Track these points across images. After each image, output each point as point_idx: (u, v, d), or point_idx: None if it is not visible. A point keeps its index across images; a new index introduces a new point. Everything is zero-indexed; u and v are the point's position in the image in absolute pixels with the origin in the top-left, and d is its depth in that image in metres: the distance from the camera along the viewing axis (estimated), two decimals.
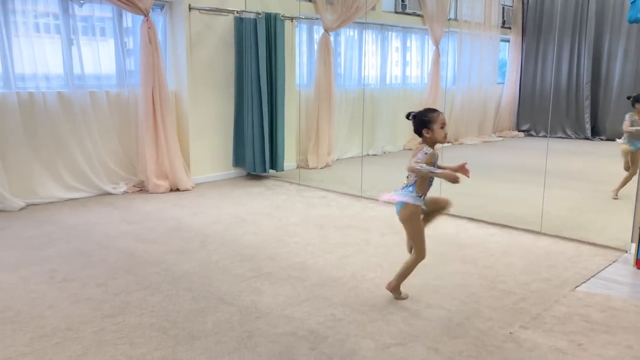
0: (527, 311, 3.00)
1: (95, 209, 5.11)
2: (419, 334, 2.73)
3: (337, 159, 7.83)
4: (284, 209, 5.20)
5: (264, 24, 6.24)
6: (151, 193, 5.76)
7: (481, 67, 9.86)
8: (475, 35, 9.61)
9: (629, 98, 5.51)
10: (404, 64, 9.14)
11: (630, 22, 3.95)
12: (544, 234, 4.40)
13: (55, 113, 5.34)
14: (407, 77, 9.18)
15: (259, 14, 6.26)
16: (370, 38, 8.32)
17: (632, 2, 3.88)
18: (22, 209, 5.07)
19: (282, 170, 6.70)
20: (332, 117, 7.49)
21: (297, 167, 7.20)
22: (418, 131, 2.96)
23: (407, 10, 8.52)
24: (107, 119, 5.73)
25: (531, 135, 10.73)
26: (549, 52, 10.59)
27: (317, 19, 7.25)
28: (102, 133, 5.71)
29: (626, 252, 3.96)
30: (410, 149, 8.93)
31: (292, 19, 6.89)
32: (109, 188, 5.69)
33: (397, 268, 3.62)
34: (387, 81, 8.67)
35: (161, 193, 5.77)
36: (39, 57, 5.21)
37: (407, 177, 2.97)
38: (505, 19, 10.37)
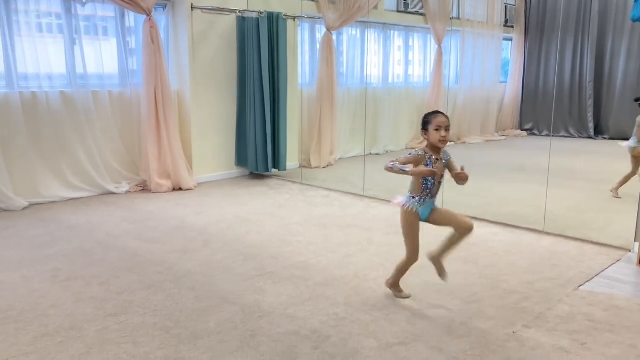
0: (530, 310, 2.99)
1: (98, 209, 5.12)
2: (422, 333, 2.73)
3: (339, 159, 7.82)
4: (286, 208, 5.20)
5: (266, 23, 6.23)
6: (154, 192, 5.77)
7: (484, 66, 9.84)
8: (477, 34, 9.59)
9: (636, 100, 5.46)
10: (407, 63, 9.12)
11: (634, 20, 3.94)
12: (547, 233, 4.39)
13: (58, 113, 5.34)
14: (410, 76, 9.17)
15: (261, 13, 6.25)
16: (372, 37, 8.31)
17: (635, 1, 3.87)
18: (25, 208, 5.08)
19: (285, 170, 6.70)
20: (335, 116, 7.49)
21: (300, 166, 7.19)
22: (422, 132, 2.95)
23: (410, 9, 8.50)
24: (109, 119, 5.74)
25: (534, 134, 10.71)
26: (552, 51, 10.56)
27: (319, 18, 7.24)
28: (105, 132, 5.72)
29: (629, 251, 3.95)
30: (413, 148, 8.97)
31: (294, 18, 6.88)
32: (111, 187, 5.70)
33: (397, 272, 3.63)
34: (390, 80, 8.67)
35: (164, 192, 5.78)
36: (41, 56, 5.22)
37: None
38: (507, 17, 10.35)
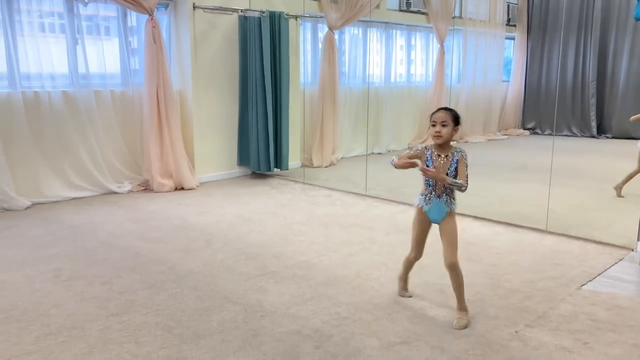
0: (533, 310, 2.99)
1: (100, 208, 5.12)
2: (424, 332, 2.73)
3: (341, 158, 7.82)
4: (288, 207, 5.20)
5: (268, 22, 6.23)
6: (156, 192, 5.77)
7: (486, 65, 9.82)
8: (480, 33, 9.58)
9: None
10: (409, 62, 9.12)
11: (637, 19, 3.93)
12: (550, 232, 4.39)
13: (60, 112, 5.35)
14: (412, 75, 9.16)
15: (263, 12, 6.25)
16: (374, 36, 8.31)
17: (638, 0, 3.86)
18: (27, 208, 5.09)
19: (287, 169, 6.70)
20: (337, 115, 7.48)
21: (302, 165, 7.19)
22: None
23: (412, 8, 8.49)
24: (111, 118, 5.75)
25: (537, 133, 10.69)
26: (555, 50, 10.54)
27: (321, 17, 7.24)
28: (107, 132, 5.73)
29: (632, 250, 3.94)
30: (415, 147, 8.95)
31: (296, 17, 6.88)
32: (113, 187, 5.71)
33: (402, 266, 3.62)
34: (392, 79, 8.66)
35: (166, 192, 5.78)
36: (44, 56, 5.22)
37: None
38: (510, 16, 10.33)
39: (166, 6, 6.08)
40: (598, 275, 3.50)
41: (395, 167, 2.85)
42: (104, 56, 5.67)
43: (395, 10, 8.39)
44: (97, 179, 5.61)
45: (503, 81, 10.56)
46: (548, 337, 2.68)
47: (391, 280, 3.39)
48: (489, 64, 9.91)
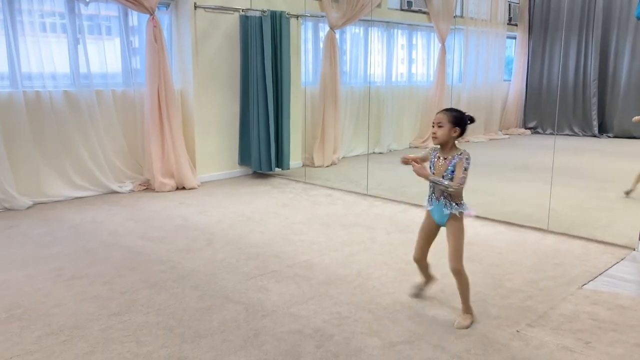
0: (534, 309, 2.99)
1: (101, 208, 5.13)
2: (425, 332, 2.73)
3: (342, 157, 7.82)
4: (289, 207, 5.20)
5: (269, 22, 6.23)
6: (157, 191, 5.78)
7: (487, 65, 9.82)
8: (481, 32, 9.57)
9: None
10: (410, 61, 9.11)
11: (638, 18, 3.92)
12: (551, 232, 4.38)
13: (61, 112, 5.36)
14: (413, 74, 9.16)
15: (264, 12, 6.25)
16: (375, 36, 8.30)
17: None
18: (29, 207, 5.10)
19: (288, 169, 6.70)
20: (338, 115, 7.48)
21: (303, 165, 7.19)
22: None
23: (413, 8, 8.49)
24: (113, 118, 5.75)
25: (538, 132, 10.68)
26: (556, 49, 10.53)
27: (322, 16, 7.24)
28: (108, 132, 5.73)
29: (634, 249, 3.94)
30: (417, 147, 8.96)
31: (297, 16, 6.88)
32: (115, 187, 5.71)
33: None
34: (393, 79, 8.65)
35: (167, 191, 5.79)
36: (45, 56, 5.23)
37: None
38: (511, 15, 10.32)
39: (167, 6, 6.08)
40: (599, 274, 3.50)
41: (400, 162, 2.87)
42: (105, 56, 5.67)
43: (396, 9, 8.38)
44: (98, 179, 5.61)
45: (504, 80, 10.55)
46: (549, 337, 2.68)
47: (392, 279, 3.39)
48: (490, 63, 9.90)
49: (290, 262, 3.70)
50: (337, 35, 7.32)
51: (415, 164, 2.76)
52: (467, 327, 2.77)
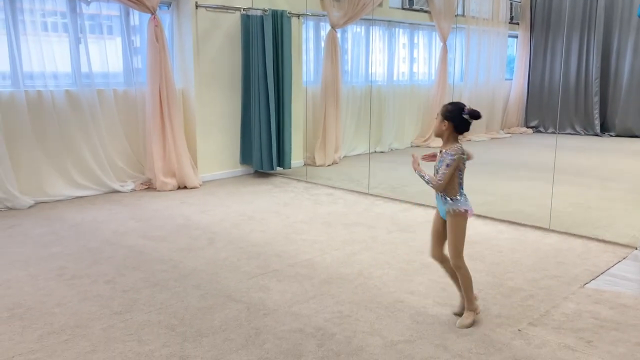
0: (536, 308, 2.98)
1: (103, 207, 5.13)
2: (427, 331, 2.72)
3: (344, 156, 7.82)
4: (291, 206, 5.20)
5: (270, 21, 6.23)
6: (159, 191, 5.78)
7: (489, 64, 9.81)
8: (483, 31, 9.56)
9: None
10: (411, 60, 9.11)
11: None
12: (553, 231, 4.38)
13: (63, 111, 5.36)
14: (415, 73, 9.15)
15: (265, 11, 6.25)
16: (377, 35, 8.30)
17: None
18: (31, 207, 5.10)
19: (289, 168, 6.70)
20: (339, 114, 7.48)
21: (304, 164, 7.19)
22: None
23: (415, 7, 8.49)
24: (114, 117, 5.76)
25: (540, 131, 10.68)
26: (558, 48, 10.51)
27: (323, 15, 7.23)
28: (110, 131, 5.74)
29: (636, 248, 3.93)
30: (418, 146, 8.95)
31: (298, 15, 6.88)
32: (116, 186, 5.71)
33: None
34: (395, 78, 8.65)
35: (169, 191, 5.79)
36: (47, 55, 5.23)
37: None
38: (513, 14, 10.31)
39: (168, 5, 6.08)
40: (601, 273, 3.50)
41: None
42: (106, 55, 5.67)
43: (397, 8, 8.38)
44: (100, 178, 5.62)
45: (506, 79, 10.55)
46: (551, 336, 2.68)
47: (394, 278, 3.39)
48: (492, 62, 9.90)
49: (291, 261, 3.70)
50: (339, 34, 7.31)
51: (414, 156, 2.79)
52: (469, 325, 2.76)
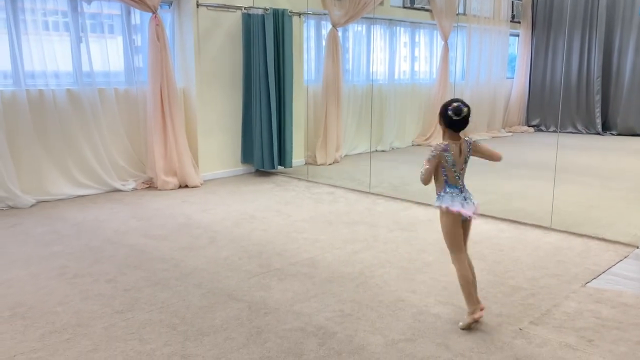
0: (537, 307, 2.98)
1: (104, 206, 5.14)
2: (428, 329, 2.72)
3: (345, 155, 7.82)
4: (292, 205, 5.20)
5: (271, 20, 6.23)
6: (160, 190, 5.79)
7: (490, 62, 9.80)
8: (484, 29, 9.55)
9: None
10: (413, 59, 9.10)
11: None
12: (554, 230, 4.37)
13: (64, 110, 5.37)
14: (416, 72, 9.14)
15: (266, 10, 6.25)
16: (378, 33, 8.29)
17: None
18: (32, 205, 5.11)
19: (291, 167, 6.70)
20: (340, 113, 7.48)
21: (306, 163, 7.19)
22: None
23: (416, 5, 8.48)
24: (115, 116, 5.76)
25: (541, 130, 10.67)
26: (559, 47, 10.50)
27: (325, 14, 7.23)
28: (111, 130, 5.74)
29: (637, 247, 3.93)
30: (419, 145, 8.95)
31: (299, 14, 6.87)
32: (118, 185, 5.72)
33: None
34: (396, 77, 8.65)
35: (170, 190, 5.79)
36: (48, 54, 5.24)
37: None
38: (514, 13, 10.30)
39: (170, 4, 6.08)
40: (602, 272, 3.49)
41: None
42: (107, 54, 5.68)
43: (399, 7, 8.38)
44: (101, 177, 5.62)
45: (507, 78, 10.54)
46: (552, 335, 2.68)
47: (395, 277, 3.39)
48: (493, 61, 9.88)
49: (293, 260, 3.70)
50: (340, 33, 7.31)
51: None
52: (464, 327, 2.72)
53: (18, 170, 5.11)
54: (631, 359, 2.48)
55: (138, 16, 5.85)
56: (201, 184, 6.03)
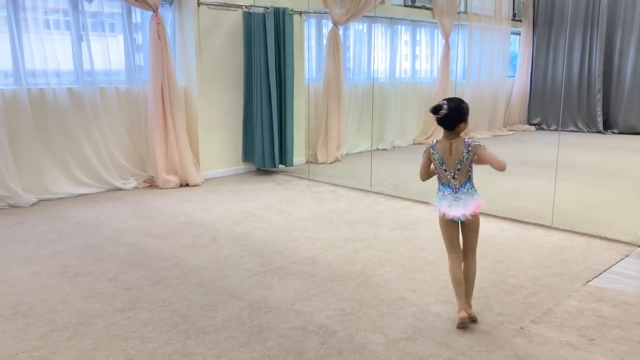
0: (538, 306, 2.98)
1: (105, 205, 5.14)
2: (429, 328, 2.72)
3: (346, 154, 7.82)
4: (293, 204, 5.20)
5: (272, 18, 6.22)
6: (161, 188, 5.79)
7: (491, 61, 9.79)
8: (485, 28, 9.54)
9: None
10: (414, 57, 9.09)
11: None
12: (555, 228, 4.37)
13: (65, 109, 5.37)
14: (417, 71, 9.14)
15: (267, 8, 6.24)
16: (379, 32, 8.28)
17: None
18: (33, 204, 5.11)
19: (292, 165, 6.70)
20: (341, 111, 7.47)
21: (307, 162, 7.19)
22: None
23: (417, 4, 8.47)
24: (116, 115, 5.76)
25: (542, 128, 10.66)
26: (560, 45, 10.49)
27: (325, 13, 7.22)
28: (112, 129, 5.74)
29: (638, 246, 3.92)
30: (420, 143, 8.95)
31: (300, 13, 6.87)
32: (119, 183, 5.72)
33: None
34: (397, 75, 8.64)
35: (171, 188, 5.79)
36: (49, 53, 5.24)
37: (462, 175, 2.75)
38: (515, 11, 10.28)
39: (170, 3, 6.08)
40: (604, 271, 3.49)
41: None
42: (108, 53, 5.68)
43: (400, 5, 8.37)
44: (102, 176, 5.63)
45: (508, 76, 10.52)
46: (553, 334, 2.67)
47: (396, 276, 3.39)
48: (495, 60, 9.87)
49: (294, 258, 3.70)
50: (341, 32, 7.30)
51: None
52: (459, 326, 2.70)
53: (19, 169, 5.11)
54: (632, 357, 2.48)
55: (139, 15, 5.85)
56: (202, 183, 6.03)
